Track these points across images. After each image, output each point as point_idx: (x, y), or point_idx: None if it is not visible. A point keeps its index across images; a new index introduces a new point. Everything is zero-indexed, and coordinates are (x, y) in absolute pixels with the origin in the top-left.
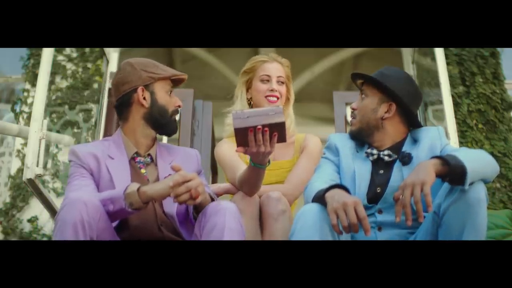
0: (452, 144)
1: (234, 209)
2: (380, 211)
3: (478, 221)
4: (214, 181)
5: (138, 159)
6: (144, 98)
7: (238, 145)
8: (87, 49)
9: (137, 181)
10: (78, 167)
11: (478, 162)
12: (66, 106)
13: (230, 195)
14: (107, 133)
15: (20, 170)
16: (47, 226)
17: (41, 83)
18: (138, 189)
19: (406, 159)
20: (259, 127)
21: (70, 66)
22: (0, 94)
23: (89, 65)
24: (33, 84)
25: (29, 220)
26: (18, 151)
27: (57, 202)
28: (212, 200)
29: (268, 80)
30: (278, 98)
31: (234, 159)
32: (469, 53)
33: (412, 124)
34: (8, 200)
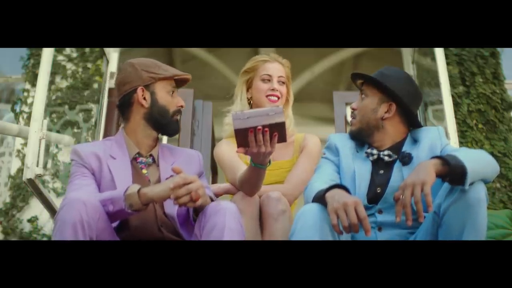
0: (452, 144)
1: (234, 209)
2: (380, 211)
3: (478, 221)
4: (214, 181)
5: (140, 159)
6: (144, 98)
7: (239, 145)
8: (87, 49)
9: (138, 181)
10: (79, 167)
11: (478, 162)
12: (66, 106)
13: (230, 195)
14: (107, 133)
15: (20, 170)
16: (47, 226)
17: (41, 83)
18: (138, 191)
19: (406, 159)
20: (259, 127)
21: (70, 66)
22: (0, 94)
23: (89, 65)
24: (33, 84)
25: (29, 220)
26: (18, 151)
27: (57, 202)
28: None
29: (269, 80)
30: (278, 98)
31: (234, 160)
32: (469, 53)
33: (412, 124)
34: (8, 200)
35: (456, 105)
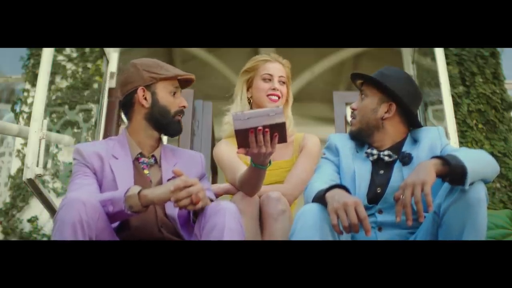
0: (452, 144)
1: (234, 209)
2: (380, 211)
3: (478, 221)
4: (214, 181)
5: (142, 159)
6: (145, 99)
7: (239, 146)
8: (87, 49)
9: (140, 181)
10: (81, 166)
11: (479, 162)
12: (66, 106)
13: (229, 195)
14: (107, 133)
15: (20, 170)
16: (47, 226)
17: (41, 83)
18: (139, 193)
19: (406, 159)
20: (260, 128)
21: (70, 66)
22: (0, 94)
23: (89, 65)
24: (33, 84)
25: (29, 220)
26: (18, 151)
27: (57, 202)
28: None
29: (270, 79)
30: (279, 98)
31: (234, 160)
32: (469, 53)
33: (412, 124)
34: (8, 200)
35: (456, 105)
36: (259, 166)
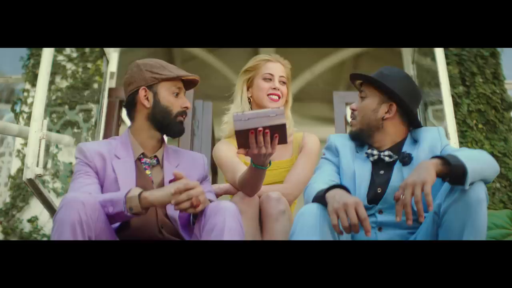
0: (452, 144)
1: (234, 209)
2: (380, 211)
3: (478, 221)
4: (214, 181)
5: (144, 160)
6: (147, 99)
7: (239, 147)
8: (87, 49)
9: (142, 182)
10: (83, 165)
11: (479, 162)
12: (66, 106)
13: (229, 195)
14: (107, 133)
15: (20, 170)
16: (47, 226)
17: (41, 83)
18: (139, 194)
19: (407, 160)
20: (260, 128)
21: (70, 66)
22: (0, 94)
23: (89, 65)
24: (33, 84)
25: (29, 220)
26: (18, 151)
27: (57, 202)
28: None
29: (270, 79)
30: (279, 97)
31: (233, 160)
32: (469, 53)
33: (412, 124)
34: (8, 200)
35: (456, 105)
36: (259, 166)
